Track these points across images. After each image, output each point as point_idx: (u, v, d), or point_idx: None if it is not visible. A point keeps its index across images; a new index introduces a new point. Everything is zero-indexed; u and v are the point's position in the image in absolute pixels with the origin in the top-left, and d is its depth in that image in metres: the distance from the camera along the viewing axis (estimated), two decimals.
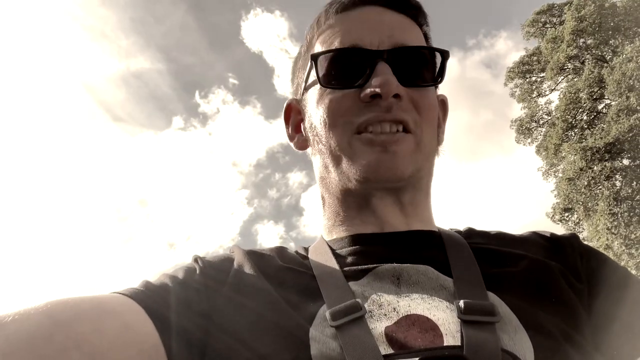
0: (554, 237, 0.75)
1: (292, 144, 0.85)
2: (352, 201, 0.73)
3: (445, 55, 0.74)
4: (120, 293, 0.60)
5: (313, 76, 0.75)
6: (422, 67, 0.73)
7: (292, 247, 0.78)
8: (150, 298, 0.60)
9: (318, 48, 0.76)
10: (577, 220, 14.68)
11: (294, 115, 0.84)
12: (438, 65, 0.74)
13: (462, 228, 0.79)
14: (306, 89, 0.79)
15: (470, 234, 0.76)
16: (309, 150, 0.81)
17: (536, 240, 0.75)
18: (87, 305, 0.56)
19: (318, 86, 0.74)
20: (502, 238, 0.75)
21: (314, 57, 0.73)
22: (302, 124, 0.82)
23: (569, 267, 0.69)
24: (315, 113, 0.75)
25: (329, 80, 0.72)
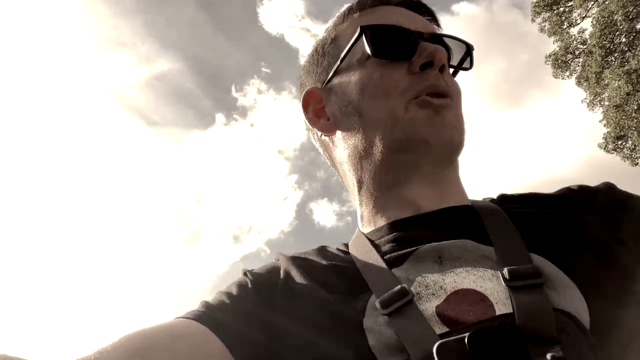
0: (588, 190, 0.74)
1: (314, 130, 0.87)
2: (390, 180, 0.74)
3: (471, 47, 0.81)
4: (184, 317, 0.65)
5: (352, 54, 0.78)
6: (453, 54, 0.81)
7: (342, 240, 0.80)
8: (212, 317, 0.64)
9: (351, 33, 0.78)
10: (633, 147, 14.04)
11: (313, 103, 0.85)
12: (464, 55, 0.82)
13: (494, 196, 0.78)
14: (338, 71, 0.80)
15: (503, 200, 0.76)
16: (337, 135, 0.82)
17: (571, 196, 0.74)
18: (159, 333, 0.61)
19: (359, 63, 0.76)
20: (536, 199, 0.75)
21: (364, 29, 0.75)
22: (324, 110, 0.83)
23: (608, 218, 0.68)
24: (358, 90, 0.76)
25: (379, 52, 0.74)
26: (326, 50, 0.84)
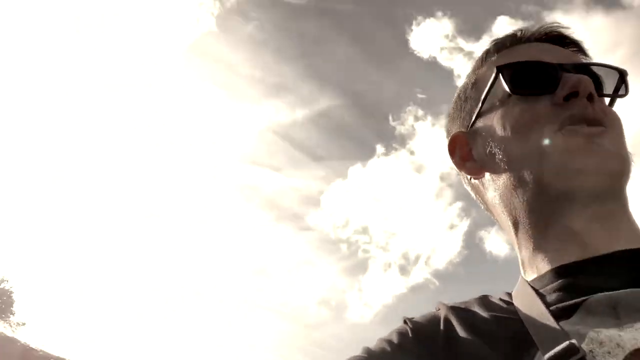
0: None
1: (462, 173, 0.86)
2: (549, 218, 0.70)
3: (624, 73, 0.76)
4: None
5: (492, 95, 0.77)
6: (604, 82, 0.75)
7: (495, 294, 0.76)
8: None
9: (490, 75, 0.78)
10: None
11: (458, 148, 0.85)
12: (618, 82, 0.76)
13: None
14: (480, 114, 0.80)
15: None
16: (485, 176, 0.80)
17: None
18: None
19: (501, 103, 0.76)
20: None
21: (501, 68, 0.75)
22: (470, 154, 0.82)
23: None
24: (501, 128, 0.75)
25: (519, 89, 0.74)
26: (468, 95, 0.85)
